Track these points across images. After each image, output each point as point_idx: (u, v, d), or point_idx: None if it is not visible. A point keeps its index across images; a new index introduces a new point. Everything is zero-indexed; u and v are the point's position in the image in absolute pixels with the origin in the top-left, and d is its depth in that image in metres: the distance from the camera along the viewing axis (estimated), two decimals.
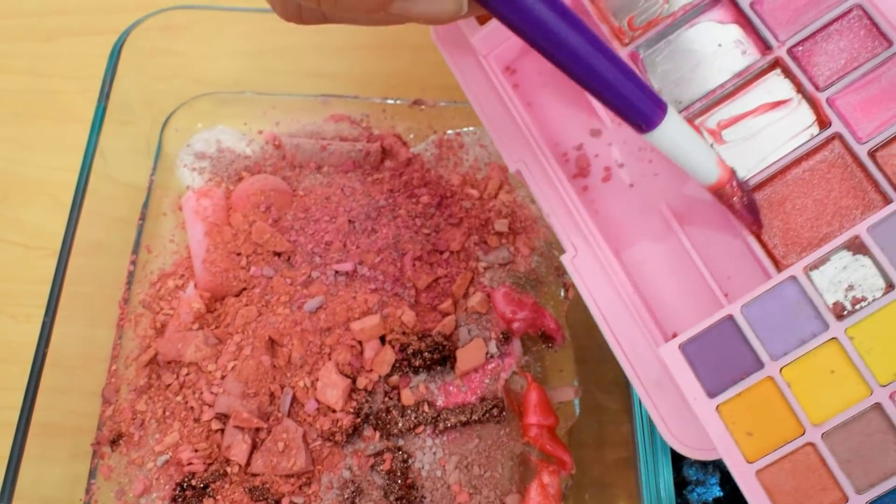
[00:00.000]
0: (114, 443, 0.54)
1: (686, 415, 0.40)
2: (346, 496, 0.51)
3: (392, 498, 0.50)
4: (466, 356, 0.53)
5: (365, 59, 0.66)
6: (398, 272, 0.56)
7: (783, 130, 0.42)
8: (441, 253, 0.58)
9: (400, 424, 0.52)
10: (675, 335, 0.42)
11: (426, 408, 0.52)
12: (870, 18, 0.41)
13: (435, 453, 0.52)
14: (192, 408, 0.53)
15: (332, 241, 0.57)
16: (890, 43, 0.40)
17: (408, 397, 0.53)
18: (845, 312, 0.38)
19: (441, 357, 0.53)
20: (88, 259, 0.55)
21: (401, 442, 0.52)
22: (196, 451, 0.52)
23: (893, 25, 0.40)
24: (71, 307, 0.53)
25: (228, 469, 0.52)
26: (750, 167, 0.41)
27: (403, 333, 0.54)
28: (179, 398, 0.54)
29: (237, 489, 0.51)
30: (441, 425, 0.52)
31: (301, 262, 0.56)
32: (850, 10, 0.41)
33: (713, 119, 0.43)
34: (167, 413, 0.54)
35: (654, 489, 0.43)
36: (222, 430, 0.52)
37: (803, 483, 0.37)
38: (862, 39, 0.41)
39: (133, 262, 0.61)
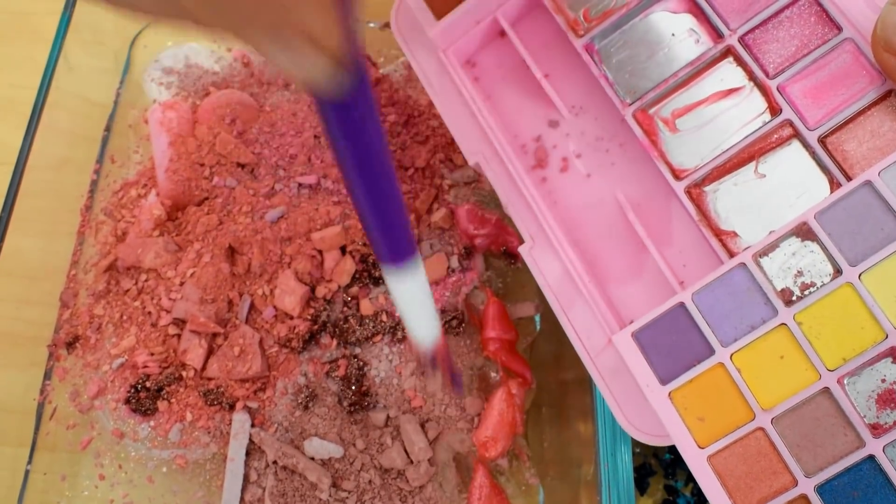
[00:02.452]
0: (70, 345, 0.54)
1: (641, 401, 0.41)
2: (300, 401, 0.51)
3: (346, 403, 0.50)
4: (428, 269, 0.53)
5: None
6: None
7: (736, 118, 0.42)
8: (406, 169, 0.57)
9: (358, 333, 0.52)
10: (631, 323, 0.43)
11: (384, 317, 0.52)
12: (819, 5, 0.41)
13: (391, 361, 0.52)
14: (149, 313, 0.53)
15: (297, 155, 0.56)
16: (839, 29, 0.41)
17: (367, 307, 0.52)
18: (794, 298, 0.38)
19: None
20: (50, 174, 0.55)
21: (358, 350, 0.52)
22: (152, 354, 0.52)
23: (843, 12, 0.41)
24: (30, 219, 0.53)
25: (184, 373, 0.52)
26: (704, 155, 0.42)
27: (364, 244, 0.54)
28: (137, 303, 0.54)
29: (192, 393, 0.51)
30: (399, 334, 0.52)
31: (264, 174, 0.56)
32: None
33: (667, 108, 0.43)
34: (124, 318, 0.54)
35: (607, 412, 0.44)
36: (179, 336, 0.52)
37: (754, 467, 0.38)
38: (812, 26, 0.41)
39: (96, 172, 0.60)
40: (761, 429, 0.38)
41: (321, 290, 0.53)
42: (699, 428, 0.39)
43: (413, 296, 0.38)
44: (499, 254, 0.57)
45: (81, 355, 0.54)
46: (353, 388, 0.51)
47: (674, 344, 0.40)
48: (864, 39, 0.40)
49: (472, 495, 0.50)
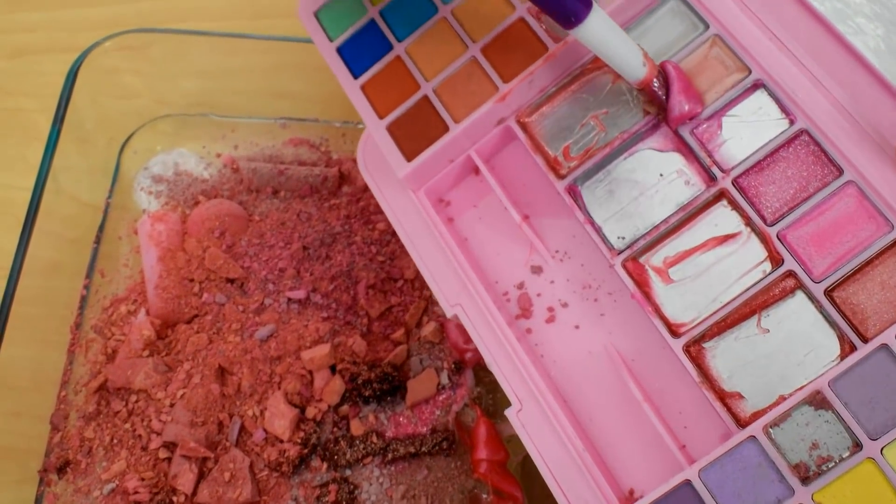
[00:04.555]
0: (60, 470, 0.53)
1: None
2: None
3: None
4: (418, 386, 0.52)
5: (327, 81, 0.65)
6: (351, 300, 0.55)
7: (734, 267, 0.39)
8: (395, 281, 0.56)
9: (348, 455, 0.51)
10: (631, 492, 0.39)
11: (375, 438, 0.51)
12: (817, 144, 0.39)
13: (382, 483, 0.51)
14: (139, 436, 0.52)
15: (286, 268, 0.56)
16: (840, 171, 0.38)
17: (357, 427, 0.51)
18: (811, 474, 0.35)
19: (391, 387, 0.51)
20: (41, 280, 0.55)
21: (348, 472, 0.51)
22: (142, 479, 0.51)
23: (842, 152, 0.38)
24: (22, 328, 0.53)
25: (174, 498, 0.50)
26: (701, 308, 0.39)
27: (354, 363, 0.52)
28: (128, 426, 0.53)
29: None
30: (389, 455, 0.51)
31: (254, 289, 0.56)
32: (796, 136, 0.39)
33: (658, 256, 0.40)
34: (115, 441, 0.53)
35: None
36: (169, 459, 0.51)
37: None
38: (810, 167, 0.39)
39: (86, 287, 0.59)
40: None
41: (311, 411, 0.52)
42: None
43: (612, 36, 0.38)
44: (488, 368, 0.54)
45: (72, 480, 0.53)
46: None
47: None
48: (867, 182, 0.37)
49: None
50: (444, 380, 0.52)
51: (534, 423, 0.40)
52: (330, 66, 0.47)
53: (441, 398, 0.52)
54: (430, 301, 0.55)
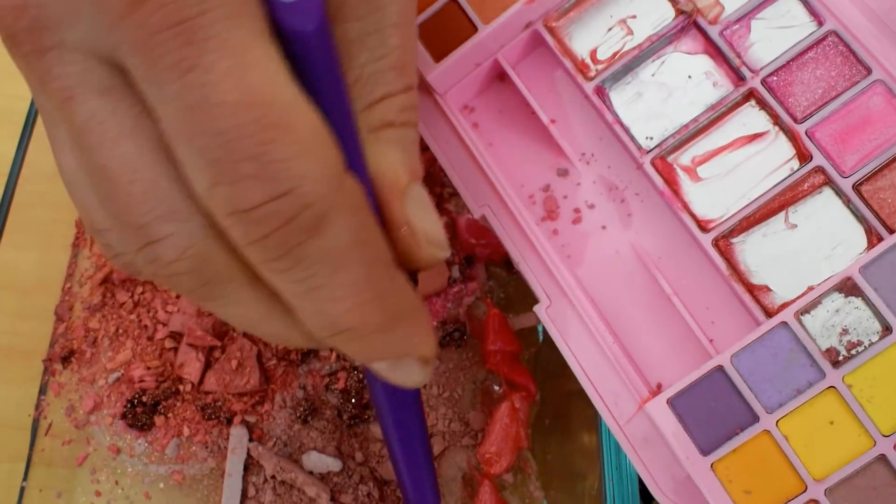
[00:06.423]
0: (65, 360, 0.54)
1: (678, 472, 0.38)
2: (298, 415, 0.50)
3: (345, 416, 0.50)
4: (429, 280, 0.52)
5: None
6: None
7: (761, 165, 0.39)
8: None
9: None
10: (659, 386, 0.40)
11: None
12: (846, 45, 0.39)
13: None
14: (145, 326, 0.53)
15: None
16: (868, 70, 0.39)
17: None
18: (841, 358, 0.36)
19: None
20: (44, 184, 0.54)
21: (357, 362, 0.51)
22: (148, 368, 0.52)
23: (870, 52, 0.39)
24: (25, 231, 0.53)
25: (181, 387, 0.52)
26: (729, 205, 0.39)
27: None
28: (133, 316, 0.54)
29: (189, 407, 0.51)
30: None
31: None
32: (824, 37, 0.40)
33: (687, 155, 0.40)
34: (120, 331, 0.54)
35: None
36: (175, 349, 0.52)
37: None
38: (839, 67, 0.39)
39: None
40: (815, 501, 0.35)
41: None
42: (746, 501, 0.36)
43: None
44: (500, 263, 0.55)
45: (77, 370, 0.54)
46: (353, 401, 0.50)
47: (713, 411, 0.37)
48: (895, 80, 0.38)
49: None
50: (456, 274, 0.53)
51: (563, 319, 0.41)
52: None
53: (452, 291, 0.52)
54: (441, 197, 0.55)
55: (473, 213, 0.43)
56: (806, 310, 0.37)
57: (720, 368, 0.37)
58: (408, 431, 0.36)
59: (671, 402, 0.37)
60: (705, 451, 0.36)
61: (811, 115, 0.39)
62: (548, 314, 0.41)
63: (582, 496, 0.47)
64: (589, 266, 0.42)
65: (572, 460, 0.49)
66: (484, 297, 0.53)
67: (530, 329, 0.54)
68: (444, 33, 0.43)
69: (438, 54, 0.43)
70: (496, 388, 0.51)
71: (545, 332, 0.53)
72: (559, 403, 0.52)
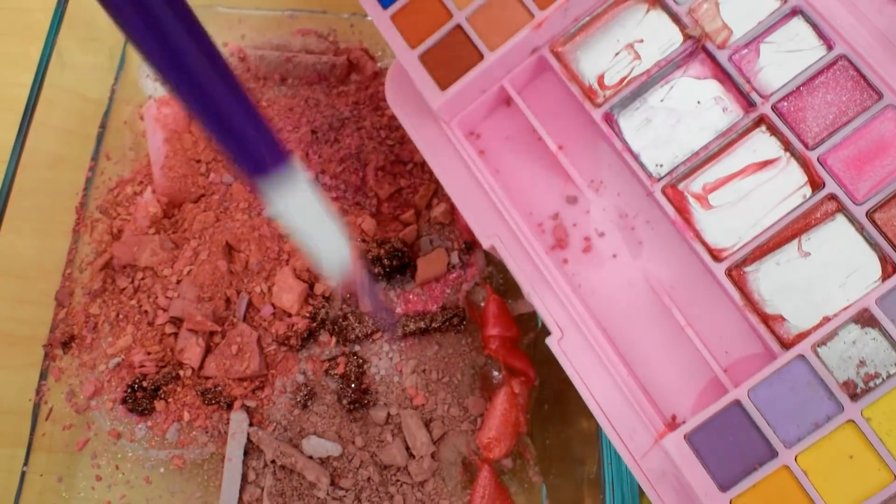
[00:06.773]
0: (66, 345, 0.54)
1: None
2: (298, 399, 0.50)
3: (345, 401, 0.50)
4: (427, 265, 0.52)
5: None
6: (360, 181, 0.55)
7: (773, 192, 0.39)
8: (405, 164, 0.56)
9: (357, 330, 0.51)
10: (674, 417, 0.39)
11: (385, 314, 0.52)
12: (856, 69, 0.39)
13: (392, 358, 0.51)
14: (146, 311, 0.53)
15: (294, 151, 0.56)
16: (879, 95, 0.38)
17: (366, 304, 0.51)
18: (859, 391, 0.35)
19: (401, 264, 0.52)
20: (44, 171, 0.55)
21: (357, 348, 0.51)
22: (149, 353, 0.52)
23: (881, 76, 0.38)
24: (22, 218, 0.53)
25: (181, 372, 0.51)
26: (741, 233, 0.39)
27: (363, 241, 0.53)
28: (134, 302, 0.53)
29: (189, 392, 0.51)
30: (399, 331, 0.51)
31: None
32: (834, 62, 0.39)
33: (698, 183, 0.40)
34: (121, 316, 0.53)
35: None
36: (176, 334, 0.52)
37: None
38: (850, 92, 0.39)
39: (91, 170, 0.59)
40: None
41: (319, 288, 0.52)
42: None
43: (302, 214, 0.33)
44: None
45: (77, 355, 0.54)
46: (353, 385, 0.50)
47: (731, 446, 0.36)
48: None
49: (476, 494, 0.48)
50: (455, 259, 0.53)
51: (576, 351, 0.40)
52: None
53: (451, 277, 0.53)
54: (441, 184, 0.54)
55: (482, 243, 0.42)
56: (822, 342, 0.36)
57: (737, 403, 0.37)
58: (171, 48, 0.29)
59: (688, 438, 0.37)
60: (724, 487, 0.36)
61: (823, 141, 0.38)
62: (560, 346, 0.40)
63: (581, 481, 0.47)
64: (600, 296, 0.42)
65: (571, 445, 0.49)
66: (483, 283, 0.53)
67: (529, 314, 0.53)
68: (450, 61, 0.43)
69: (445, 82, 0.43)
70: (495, 373, 0.51)
71: None
72: (558, 389, 0.52)
